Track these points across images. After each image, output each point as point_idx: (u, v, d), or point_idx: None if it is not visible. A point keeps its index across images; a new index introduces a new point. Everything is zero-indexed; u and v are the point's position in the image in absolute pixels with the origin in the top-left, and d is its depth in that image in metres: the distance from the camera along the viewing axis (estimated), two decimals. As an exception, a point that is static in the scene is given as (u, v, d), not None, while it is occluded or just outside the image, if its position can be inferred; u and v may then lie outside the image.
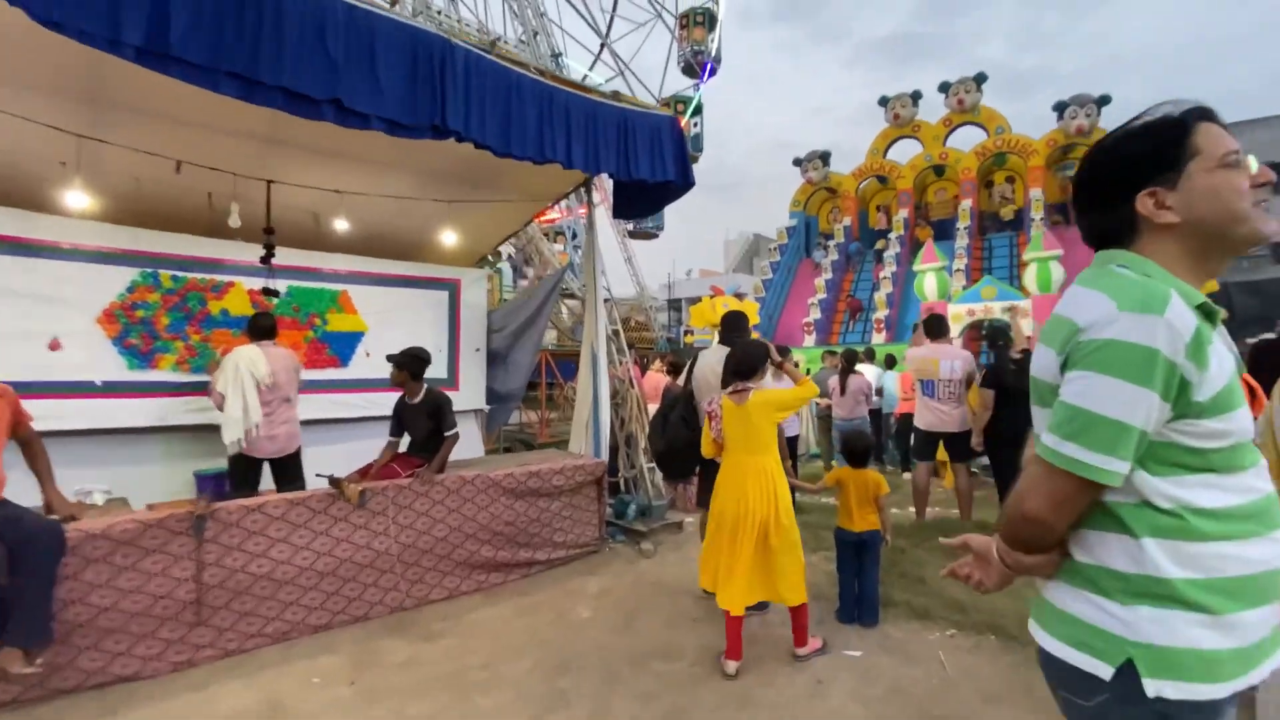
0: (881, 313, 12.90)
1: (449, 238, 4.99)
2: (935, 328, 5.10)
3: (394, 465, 3.85)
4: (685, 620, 3.49)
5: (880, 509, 3.41)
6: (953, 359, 4.91)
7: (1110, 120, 13.59)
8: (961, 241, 13.78)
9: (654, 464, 4.77)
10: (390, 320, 5.37)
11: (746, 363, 3.12)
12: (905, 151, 16.46)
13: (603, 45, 16.64)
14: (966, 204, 14.87)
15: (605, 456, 4.82)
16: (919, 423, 5.09)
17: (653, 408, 6.02)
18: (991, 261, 14.37)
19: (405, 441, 4.10)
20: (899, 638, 3.26)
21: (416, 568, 3.72)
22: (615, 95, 4.19)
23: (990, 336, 4.90)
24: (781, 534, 2.93)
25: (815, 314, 13.88)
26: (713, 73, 17.04)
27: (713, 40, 16.80)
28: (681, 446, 3.53)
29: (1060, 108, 13.75)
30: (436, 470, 3.79)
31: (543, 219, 16.14)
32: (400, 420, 4.01)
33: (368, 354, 5.18)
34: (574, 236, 15.39)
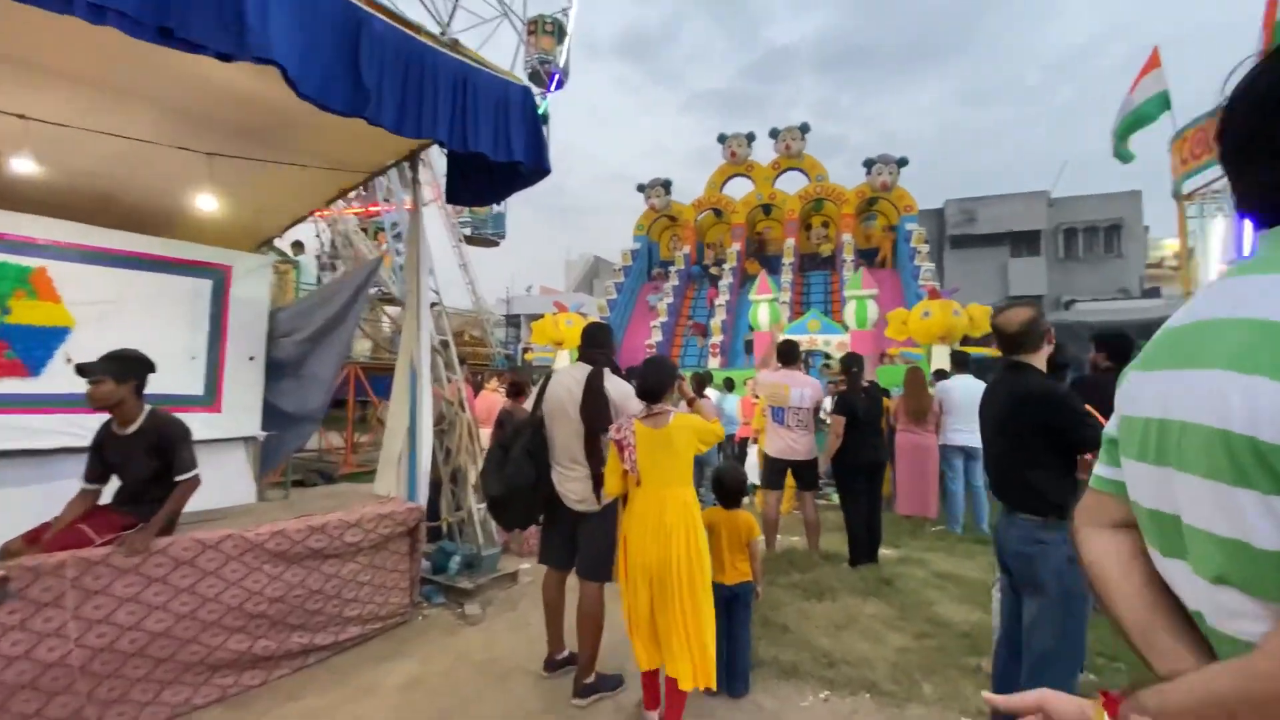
0: (717, 338, 13.22)
1: (208, 205, 3.71)
2: (788, 354, 4.96)
3: (83, 526, 2.57)
4: (524, 716, 2.71)
5: (753, 556, 2.97)
6: (803, 386, 4.78)
7: (905, 180, 15.63)
8: (786, 276, 14.75)
9: (486, 506, 3.93)
10: (115, 314, 3.87)
11: (658, 381, 2.62)
12: (739, 189, 17.44)
13: (442, 34, 15.29)
14: (790, 242, 16.06)
15: (423, 498, 3.86)
16: (769, 450, 4.88)
17: (486, 433, 5.16)
18: (810, 296, 15.59)
19: (113, 487, 2.81)
20: (772, 708, 2.80)
21: (117, 680, 2.48)
22: (455, 45, 3.38)
23: (844, 364, 4.86)
24: (705, 582, 2.49)
25: (657, 336, 13.86)
26: (560, 85, 16.64)
27: (561, 52, 16.45)
28: (524, 488, 2.79)
29: (869, 164, 15.47)
30: (156, 532, 2.58)
31: (366, 211, 14.24)
32: (102, 457, 2.72)
33: (69, 359, 3.65)
34: (398, 233, 13.89)
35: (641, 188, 17.26)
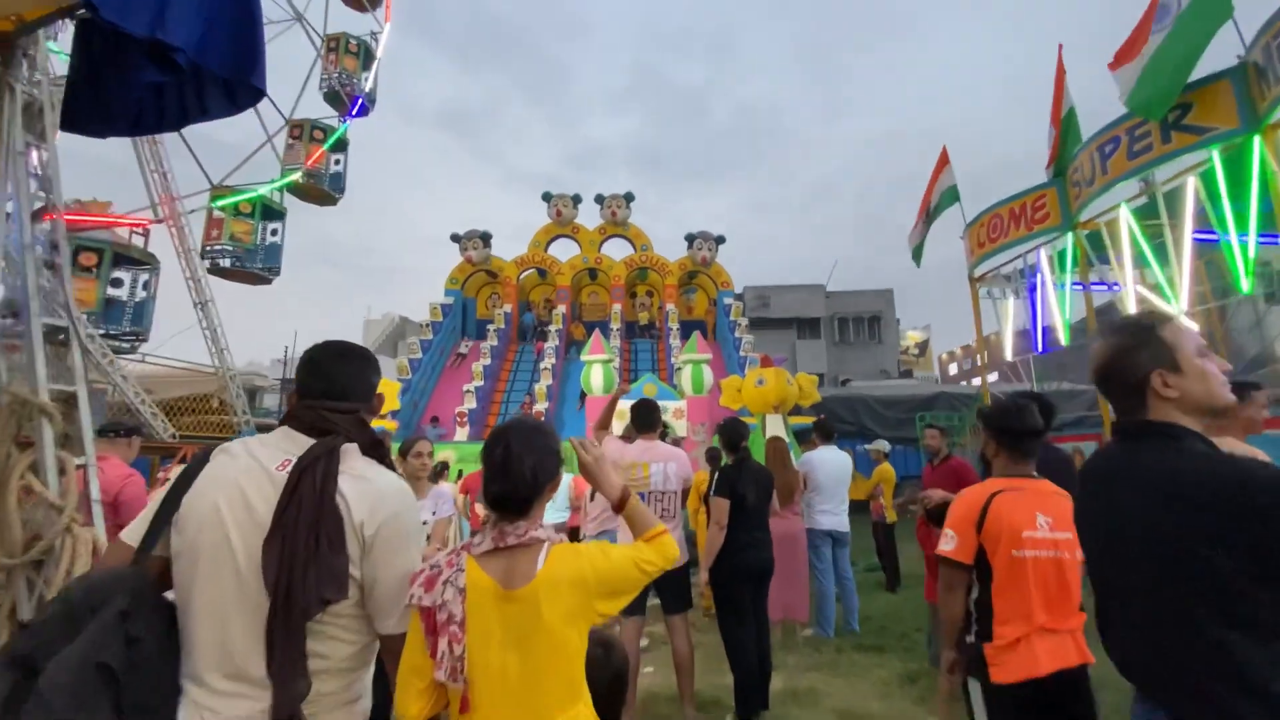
0: (541, 404, 11.75)
1: None
2: (645, 418, 3.70)
3: None
4: None
5: None
6: (666, 460, 3.57)
7: (734, 252, 16.20)
8: (614, 342, 13.99)
9: None
10: None
11: (531, 469, 1.32)
12: (563, 251, 16.67)
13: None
14: (617, 308, 15.49)
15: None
16: None
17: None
18: (637, 363, 14.99)
19: None
20: None
21: None
22: None
23: (725, 434, 3.74)
24: None
25: (471, 403, 11.94)
26: (363, 111, 14.58)
27: (367, 77, 14.53)
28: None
29: (690, 239, 15.74)
30: None
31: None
32: None
33: None
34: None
35: (456, 238, 15.57)
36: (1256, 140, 4.85)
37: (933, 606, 3.58)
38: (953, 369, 56.79)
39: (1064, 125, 7.08)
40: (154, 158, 11.13)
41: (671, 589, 3.50)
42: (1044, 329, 7.62)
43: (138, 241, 11.10)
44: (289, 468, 1.21)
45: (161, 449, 9.93)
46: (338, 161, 14.63)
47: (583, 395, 12.16)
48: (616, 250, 16.70)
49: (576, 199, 16.24)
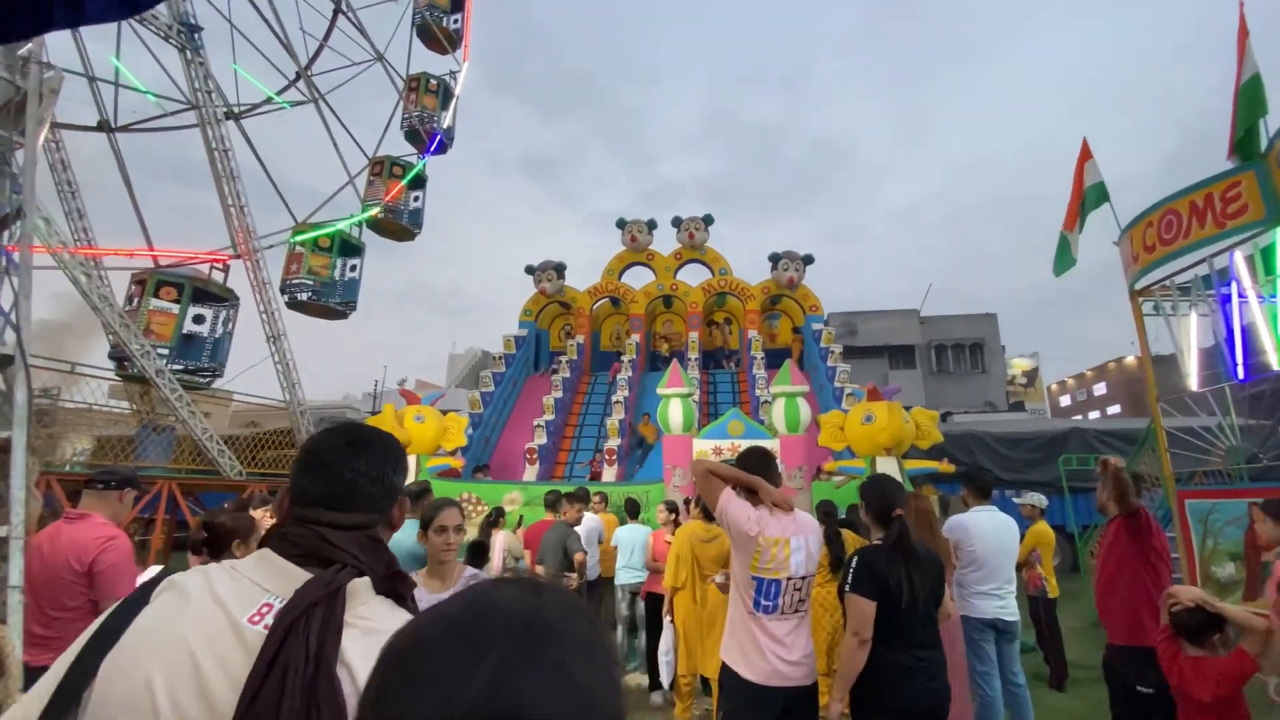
0: (614, 441, 10.89)
1: None
2: (763, 471, 2.68)
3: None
4: None
5: None
6: (809, 535, 2.54)
7: (810, 279, 14.94)
8: (692, 373, 13.02)
9: None
10: None
11: None
12: (638, 279, 16.00)
13: (298, 74, 13.04)
14: (694, 336, 14.55)
15: None
16: (749, 672, 2.46)
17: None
18: (717, 397, 13.90)
19: None
20: None
21: None
22: None
23: (871, 494, 2.66)
24: None
25: (540, 438, 11.28)
26: (441, 148, 14.69)
27: (446, 115, 14.69)
28: None
29: (775, 259, 14.63)
30: None
31: None
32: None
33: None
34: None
35: (531, 269, 15.25)
36: None
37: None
38: (1064, 400, 51.67)
39: (1244, 95, 5.57)
40: (234, 195, 11.47)
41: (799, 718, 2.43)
42: (1244, 350, 5.96)
43: (217, 277, 11.47)
44: (268, 618, 0.81)
45: (227, 485, 9.87)
46: (417, 198, 14.78)
47: (641, 441, 11.16)
48: (694, 278, 15.85)
49: (651, 224, 15.59)
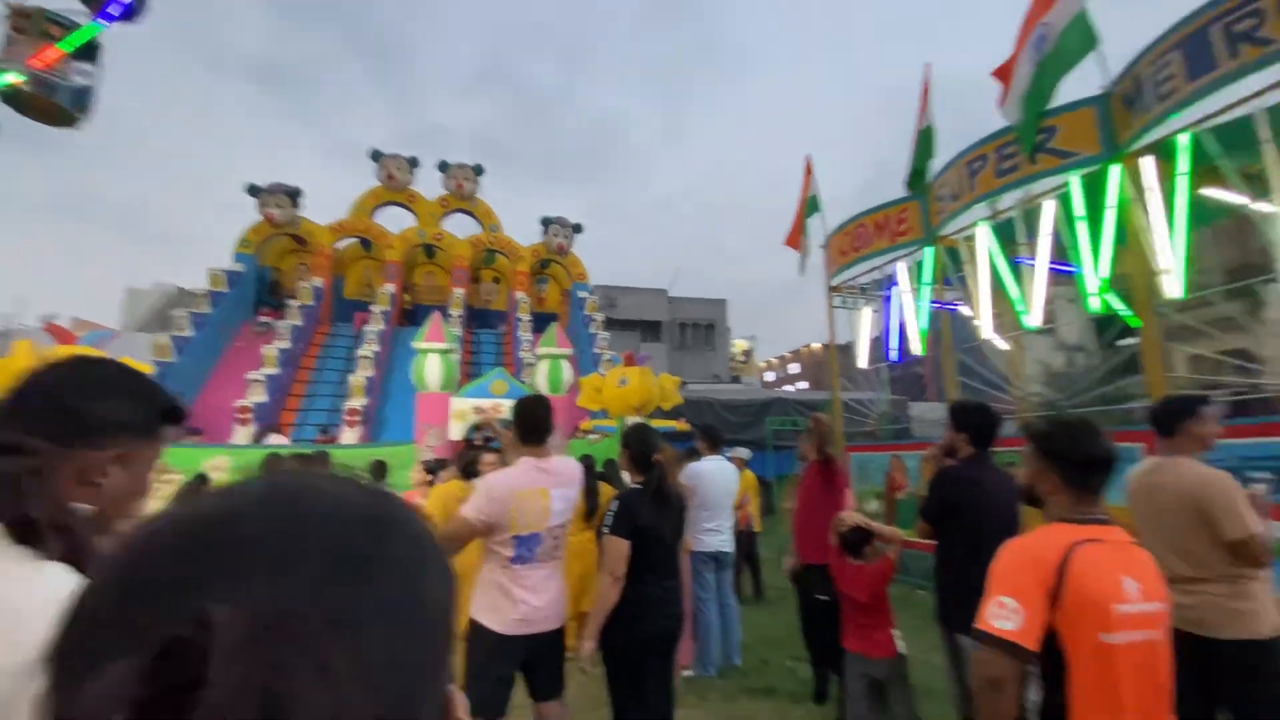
0: (358, 400, 9.82)
1: None
2: (536, 420, 2.62)
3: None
4: None
5: None
6: (569, 485, 2.58)
7: (577, 249, 15.24)
8: (455, 330, 12.37)
9: None
10: None
11: None
12: (395, 221, 14.54)
13: None
14: (459, 293, 13.81)
15: None
16: (493, 622, 2.42)
17: None
18: (480, 358, 13.46)
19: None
20: None
21: None
22: None
23: (630, 442, 2.78)
24: None
25: (258, 395, 9.59)
26: (129, 13, 11.15)
27: (137, -28, 11.21)
28: None
29: (546, 223, 14.58)
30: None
31: None
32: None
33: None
34: None
35: (255, 191, 12.66)
36: (1114, 168, 5.13)
37: (854, 657, 2.98)
38: (769, 376, 62.24)
39: (920, 141, 7.27)
40: None
41: (544, 667, 2.48)
42: (900, 339, 7.82)
43: None
44: None
45: None
46: (85, 73, 11.06)
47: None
48: (460, 230, 14.96)
49: (414, 162, 14.21)
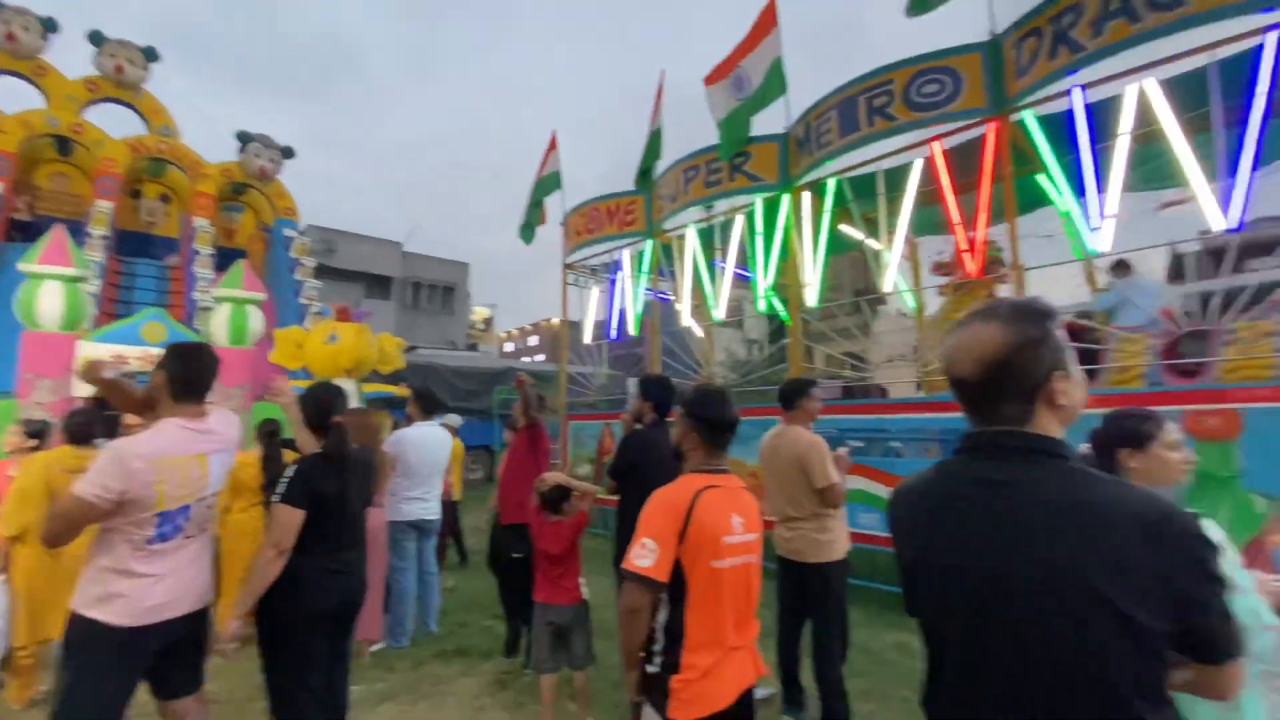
0: (-90, 335, 6.89)
1: None
2: (196, 373, 2.13)
3: None
4: None
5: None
6: (227, 445, 2.19)
7: (288, 179, 12.97)
8: (94, 254, 9.51)
9: None
10: None
11: None
12: (9, 97, 10.46)
13: None
14: (105, 206, 10.61)
15: None
16: (116, 615, 1.93)
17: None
18: (134, 294, 10.58)
19: None
20: None
21: None
22: None
23: (313, 402, 2.45)
24: None
25: None
26: None
27: None
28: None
29: (244, 139, 12.05)
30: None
31: None
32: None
33: None
34: None
35: None
36: (786, 196, 6.33)
37: (542, 606, 3.19)
38: (509, 347, 62.39)
39: (649, 141, 7.94)
40: None
41: (179, 657, 2.10)
42: (619, 319, 8.51)
43: None
44: None
45: None
46: None
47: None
48: (116, 125, 11.45)
49: (49, 24, 10.39)
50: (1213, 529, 1.39)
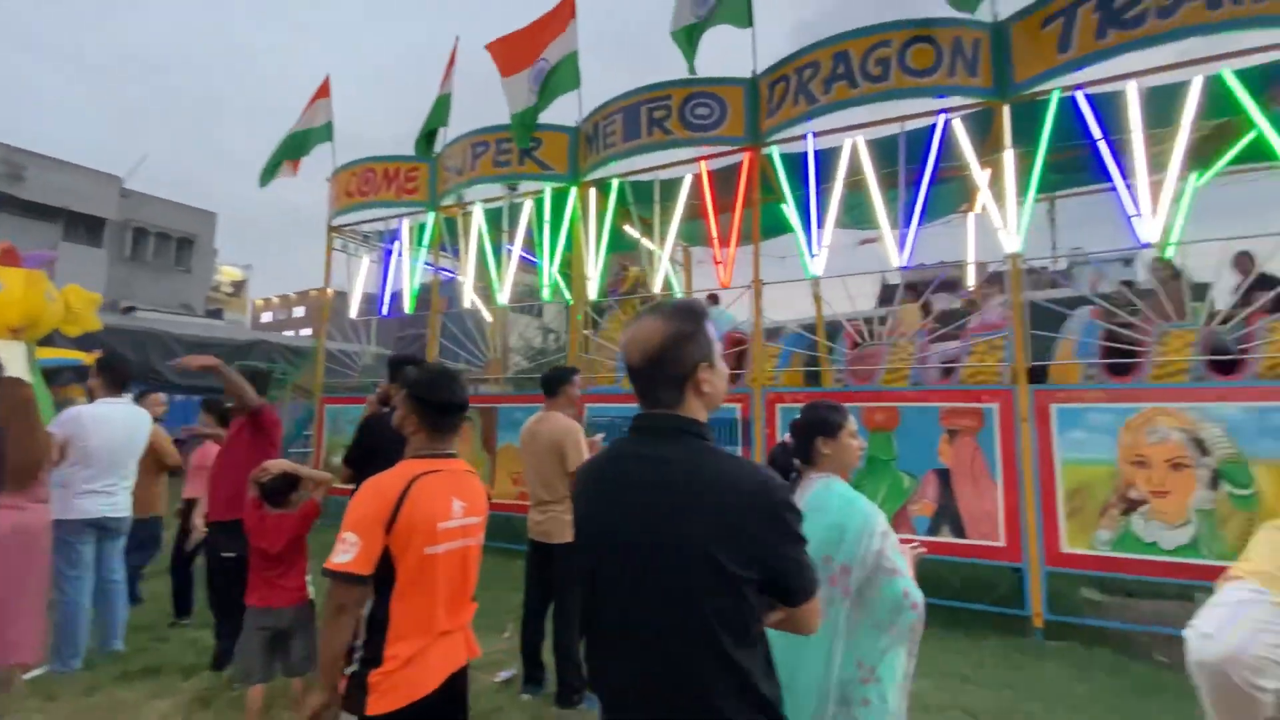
0: None
1: None
2: None
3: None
4: None
5: None
6: None
7: None
8: None
9: None
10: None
11: None
12: None
13: None
14: None
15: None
16: None
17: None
18: None
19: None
20: None
21: None
22: None
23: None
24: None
25: None
26: None
27: None
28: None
29: None
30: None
31: None
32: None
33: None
34: None
35: None
36: (574, 189, 6.45)
37: (256, 611, 2.84)
38: (267, 316, 53.74)
39: (436, 106, 7.48)
40: None
41: None
42: (393, 295, 7.88)
43: None
44: None
45: None
46: None
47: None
48: None
49: None
50: (879, 517, 1.75)
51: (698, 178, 6.03)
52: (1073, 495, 4.23)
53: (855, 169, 5.26)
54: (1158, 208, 4.40)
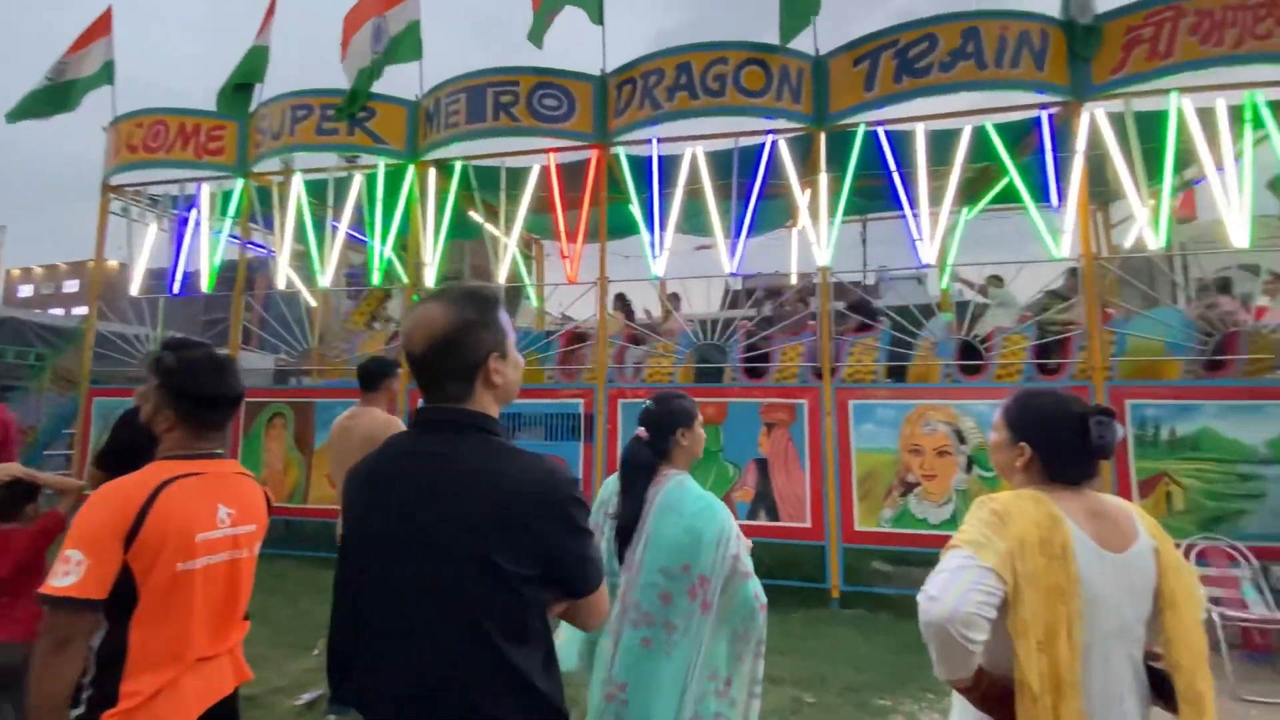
0: None
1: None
2: None
3: None
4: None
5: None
6: None
7: None
8: None
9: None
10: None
11: None
12: None
13: None
14: None
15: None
16: None
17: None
18: None
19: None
20: None
21: None
22: None
23: None
24: None
25: None
26: None
27: None
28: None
29: None
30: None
31: None
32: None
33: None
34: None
35: None
36: (411, 167, 6.01)
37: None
38: (25, 290, 45.58)
39: (247, 57, 6.58)
40: None
41: None
42: (186, 271, 6.79)
43: None
44: None
45: None
46: None
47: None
48: None
49: None
50: (732, 519, 1.78)
51: (546, 169, 5.93)
52: (864, 480, 4.82)
53: (695, 178, 5.51)
54: (935, 235, 5.16)
